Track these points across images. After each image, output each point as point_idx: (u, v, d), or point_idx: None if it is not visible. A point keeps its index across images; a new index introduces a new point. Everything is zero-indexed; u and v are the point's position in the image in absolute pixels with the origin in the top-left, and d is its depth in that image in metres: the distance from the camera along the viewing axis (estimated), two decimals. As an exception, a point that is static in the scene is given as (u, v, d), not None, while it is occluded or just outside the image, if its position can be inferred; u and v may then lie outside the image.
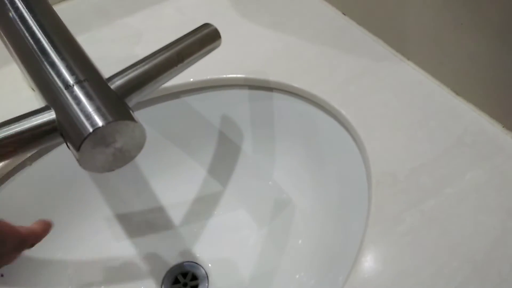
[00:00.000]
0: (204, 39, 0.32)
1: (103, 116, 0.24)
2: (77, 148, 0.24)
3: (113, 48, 0.43)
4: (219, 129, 0.45)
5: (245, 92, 0.43)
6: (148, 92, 0.28)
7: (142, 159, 0.44)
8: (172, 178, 0.45)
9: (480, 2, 0.33)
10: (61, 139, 0.25)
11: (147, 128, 0.43)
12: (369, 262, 0.31)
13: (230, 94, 0.43)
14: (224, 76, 0.42)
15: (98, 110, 0.24)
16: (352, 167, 0.38)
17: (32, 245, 0.29)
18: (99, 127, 0.23)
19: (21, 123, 0.25)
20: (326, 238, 0.38)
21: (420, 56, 0.40)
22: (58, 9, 0.47)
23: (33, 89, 0.41)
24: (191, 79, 0.41)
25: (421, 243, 0.31)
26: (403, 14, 0.40)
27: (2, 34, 0.30)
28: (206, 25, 0.33)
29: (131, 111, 0.26)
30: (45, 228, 0.30)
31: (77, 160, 0.24)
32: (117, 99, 0.26)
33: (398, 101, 0.39)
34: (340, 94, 0.40)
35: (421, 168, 0.35)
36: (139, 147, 0.26)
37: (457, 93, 0.39)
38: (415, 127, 0.37)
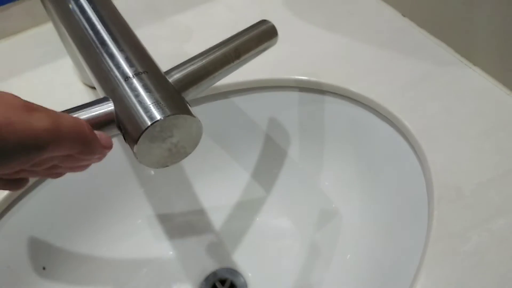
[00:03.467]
0: (261, 35, 0.31)
1: (162, 110, 0.23)
2: (135, 141, 0.23)
3: (164, 45, 0.43)
4: (266, 132, 0.44)
5: (295, 95, 0.42)
6: (204, 88, 0.27)
7: (186, 159, 0.43)
8: (215, 180, 0.44)
9: None
10: (117, 131, 0.25)
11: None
12: (429, 284, 0.28)
13: (280, 96, 0.42)
14: (274, 77, 0.40)
15: (156, 103, 0.23)
16: (409, 178, 0.36)
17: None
18: (158, 121, 0.22)
19: (80, 113, 0.24)
20: (378, 255, 0.36)
21: (489, 61, 0.38)
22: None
23: (85, 83, 0.41)
24: (240, 79, 0.40)
25: (489, 265, 0.29)
26: (470, 16, 0.37)
27: (62, 25, 0.30)
28: (263, 22, 0.32)
29: (189, 106, 0.25)
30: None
31: (134, 153, 0.23)
32: (175, 92, 0.25)
33: (463, 109, 0.36)
34: (399, 100, 0.37)
35: (490, 183, 0.32)
36: (195, 143, 0.25)
37: (530, 103, 0.36)
38: (482, 137, 0.35)
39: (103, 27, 0.28)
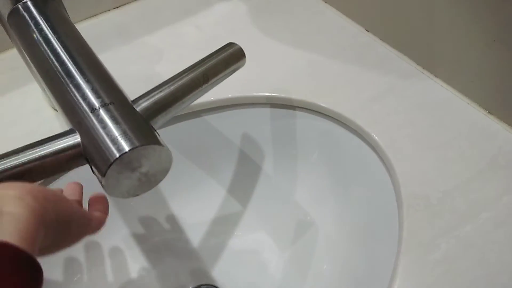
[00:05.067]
0: (229, 58, 0.31)
1: (130, 141, 0.23)
2: (103, 173, 0.23)
3: (134, 67, 0.43)
4: (240, 148, 0.44)
5: (267, 111, 0.42)
6: (173, 114, 0.28)
7: (161, 179, 0.43)
8: (191, 198, 0.44)
9: (514, 19, 0.32)
10: (86, 164, 0.25)
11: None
12: (402, 291, 0.29)
13: (252, 112, 0.42)
14: (246, 94, 0.41)
15: (124, 134, 0.23)
16: (380, 189, 0.37)
17: (93, 232, 0.27)
18: (126, 152, 0.23)
19: (44, 147, 0.24)
20: (353, 264, 0.37)
21: (449, 73, 0.39)
22: (79, 28, 0.47)
23: (54, 108, 0.40)
24: (212, 98, 0.41)
25: (457, 272, 0.30)
26: (430, 30, 0.39)
27: (26, 56, 0.30)
28: (230, 45, 0.32)
29: (157, 135, 0.25)
30: (102, 219, 0.27)
31: (102, 185, 0.23)
32: (143, 122, 0.25)
33: (427, 120, 0.38)
34: (365, 113, 0.38)
35: (455, 191, 0.33)
36: (165, 171, 0.25)
37: (489, 111, 0.38)
38: (446, 147, 0.36)
39: (68, 58, 0.28)
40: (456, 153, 0.36)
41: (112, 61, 0.44)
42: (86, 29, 0.47)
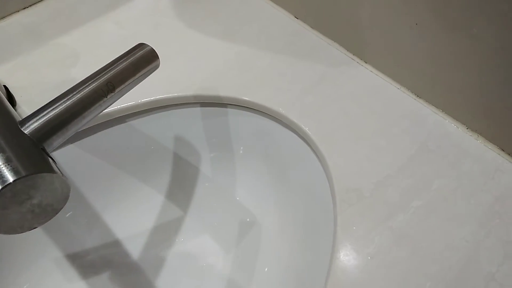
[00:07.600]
0: (138, 62, 0.29)
1: (14, 170, 0.20)
2: (-16, 210, 0.20)
3: (47, 73, 0.39)
4: (173, 151, 0.42)
5: (197, 110, 0.40)
6: (73, 131, 0.25)
7: (90, 192, 0.40)
8: (126, 208, 0.42)
9: (435, 1, 0.31)
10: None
11: (92, 157, 0.40)
12: (338, 289, 0.29)
13: (181, 113, 0.40)
14: (173, 95, 0.39)
15: (8, 163, 0.21)
16: (316, 183, 0.36)
17: None
18: (9, 184, 0.20)
19: None
20: (295, 263, 0.36)
21: (378, 59, 0.38)
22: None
23: None
24: (137, 101, 0.38)
25: (391, 265, 0.29)
26: (357, 15, 0.38)
27: None
28: (140, 46, 0.30)
29: (50, 160, 0.22)
30: None
31: (-14, 224, 0.21)
32: (32, 146, 0.22)
33: (359, 108, 0.37)
34: (297, 106, 0.37)
35: (387, 181, 0.33)
36: (63, 198, 0.23)
37: (418, 95, 0.37)
38: (378, 136, 0.35)
39: None
40: (388, 141, 0.35)
41: (22, 67, 0.40)
42: (-9, 33, 0.43)
